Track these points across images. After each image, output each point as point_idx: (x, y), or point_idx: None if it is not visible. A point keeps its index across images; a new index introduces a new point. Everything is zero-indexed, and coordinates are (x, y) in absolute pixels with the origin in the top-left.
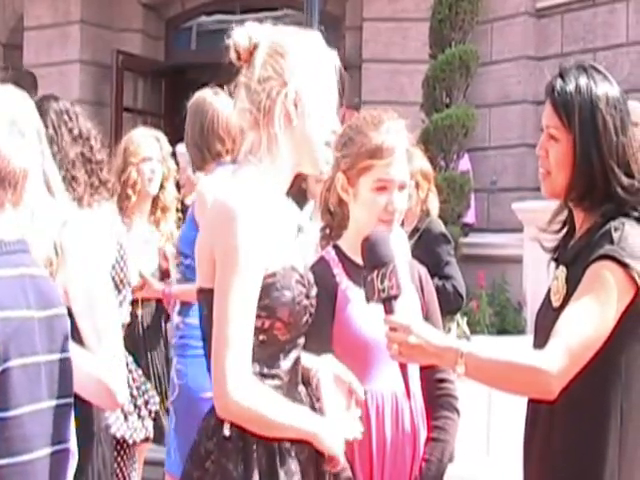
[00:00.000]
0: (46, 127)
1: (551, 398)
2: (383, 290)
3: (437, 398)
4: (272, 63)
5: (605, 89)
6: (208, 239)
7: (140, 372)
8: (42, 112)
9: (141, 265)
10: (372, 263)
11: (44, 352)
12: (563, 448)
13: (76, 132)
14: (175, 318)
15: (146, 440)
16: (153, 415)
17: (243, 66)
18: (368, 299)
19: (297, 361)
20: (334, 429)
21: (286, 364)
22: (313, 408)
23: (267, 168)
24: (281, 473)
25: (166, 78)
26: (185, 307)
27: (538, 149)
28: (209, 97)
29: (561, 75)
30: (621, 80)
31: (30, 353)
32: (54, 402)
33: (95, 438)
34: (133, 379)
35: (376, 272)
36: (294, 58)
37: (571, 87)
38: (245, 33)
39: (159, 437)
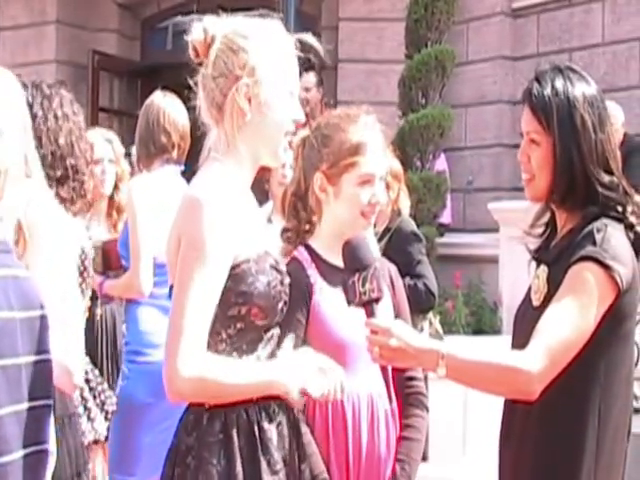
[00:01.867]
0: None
1: (532, 399)
2: (364, 293)
3: (407, 396)
4: (224, 59)
5: (582, 88)
6: (176, 232)
7: (97, 372)
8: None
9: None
10: (353, 266)
11: (25, 353)
12: (539, 449)
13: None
14: (121, 326)
15: (96, 442)
16: (110, 415)
17: (203, 63)
18: (349, 302)
19: (274, 353)
20: (290, 369)
21: (264, 352)
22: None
23: (230, 163)
24: (263, 463)
25: (142, 78)
26: (128, 314)
27: (520, 155)
28: (157, 98)
29: (537, 79)
30: (597, 80)
31: (11, 354)
32: (34, 403)
33: (57, 423)
34: (87, 380)
35: (357, 275)
36: (248, 52)
37: (548, 89)
38: (201, 28)
39: None
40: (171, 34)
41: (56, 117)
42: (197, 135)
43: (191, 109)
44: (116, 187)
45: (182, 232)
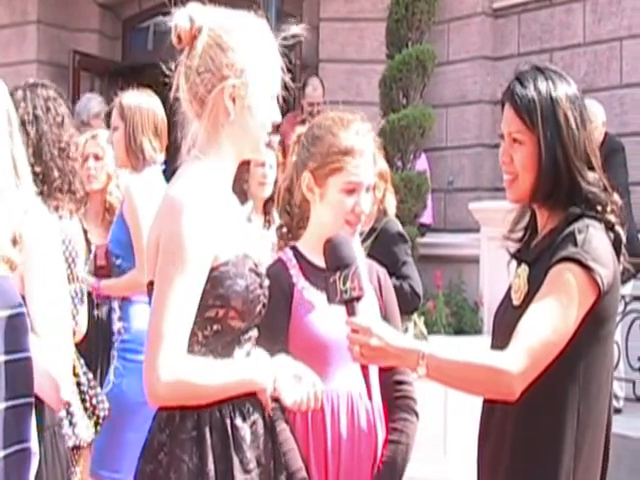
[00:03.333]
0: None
1: (512, 399)
2: (345, 292)
3: (395, 400)
4: (212, 55)
5: (563, 87)
6: (156, 233)
7: (90, 376)
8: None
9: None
10: (334, 264)
11: (4, 352)
12: (517, 448)
13: (59, 120)
14: (116, 324)
15: (77, 449)
16: (101, 420)
17: (184, 50)
18: (330, 300)
19: (249, 354)
20: (265, 367)
21: (240, 355)
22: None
23: (211, 161)
24: (236, 462)
25: (123, 78)
26: (125, 312)
27: (501, 156)
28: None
29: (518, 79)
30: (578, 80)
31: None
32: (15, 402)
33: (48, 432)
34: (79, 383)
35: (338, 273)
36: (235, 51)
37: (530, 89)
38: (187, 15)
39: None
40: (152, 34)
41: (23, 122)
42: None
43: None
44: (107, 185)
45: (162, 233)
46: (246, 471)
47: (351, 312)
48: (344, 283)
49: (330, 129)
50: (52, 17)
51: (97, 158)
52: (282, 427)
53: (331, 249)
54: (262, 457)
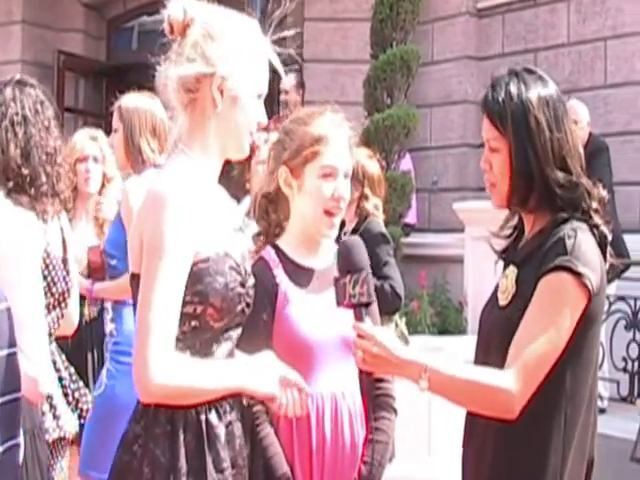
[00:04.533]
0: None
1: (512, 417)
2: (354, 296)
3: (375, 398)
4: (202, 45)
5: (537, 89)
6: (139, 226)
7: (72, 370)
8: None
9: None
10: (346, 267)
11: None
12: (503, 449)
13: (47, 124)
14: (109, 325)
15: (62, 440)
16: (85, 414)
17: (175, 40)
18: (338, 302)
19: (231, 353)
20: (258, 374)
21: (220, 353)
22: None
23: (196, 155)
24: (209, 460)
25: (107, 78)
26: (118, 313)
27: (482, 163)
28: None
29: (492, 85)
30: (562, 80)
31: None
32: (3, 398)
33: (28, 435)
34: (60, 378)
35: (349, 277)
36: (226, 44)
37: (502, 95)
38: (181, 7)
39: None
40: (137, 34)
41: (12, 123)
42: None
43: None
44: (103, 186)
45: (144, 228)
46: (219, 470)
47: (358, 317)
48: (353, 287)
49: (303, 120)
50: (37, 17)
51: (96, 160)
52: (267, 431)
53: (344, 252)
54: (238, 459)
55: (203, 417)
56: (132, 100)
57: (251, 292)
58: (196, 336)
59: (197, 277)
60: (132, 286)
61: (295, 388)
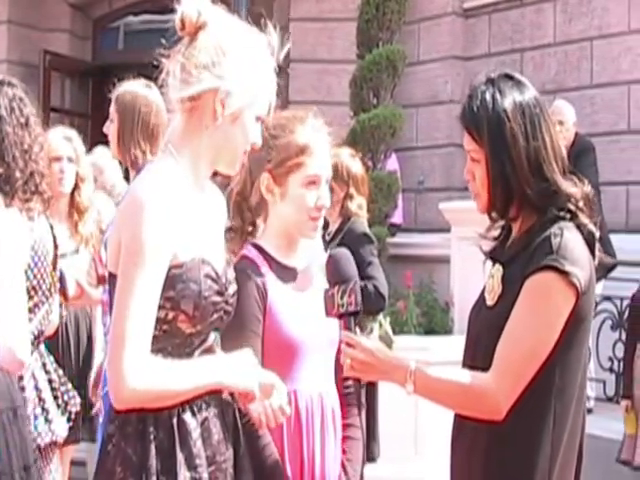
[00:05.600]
0: None
1: (499, 418)
2: (342, 305)
3: (345, 397)
4: (213, 55)
5: (512, 97)
6: (118, 226)
7: (61, 372)
8: None
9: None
10: (334, 280)
11: None
12: (492, 449)
13: (23, 121)
14: (108, 321)
15: (53, 444)
16: (74, 416)
17: (183, 38)
18: (327, 312)
19: (208, 352)
20: (236, 369)
21: (195, 355)
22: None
23: (184, 160)
24: (180, 457)
25: (93, 78)
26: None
27: (465, 174)
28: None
29: (469, 95)
30: (548, 80)
31: None
32: None
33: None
34: (50, 380)
35: (337, 288)
36: (236, 60)
37: (477, 105)
38: (195, 7)
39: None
40: (122, 34)
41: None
42: None
43: None
44: (77, 186)
45: (122, 231)
46: (192, 467)
47: (347, 326)
48: (342, 297)
49: (286, 127)
50: (22, 17)
51: (70, 160)
52: (267, 441)
53: (333, 264)
54: (216, 455)
55: (175, 415)
56: (130, 95)
57: (231, 300)
58: (167, 340)
59: (170, 283)
60: (109, 284)
61: (272, 397)
